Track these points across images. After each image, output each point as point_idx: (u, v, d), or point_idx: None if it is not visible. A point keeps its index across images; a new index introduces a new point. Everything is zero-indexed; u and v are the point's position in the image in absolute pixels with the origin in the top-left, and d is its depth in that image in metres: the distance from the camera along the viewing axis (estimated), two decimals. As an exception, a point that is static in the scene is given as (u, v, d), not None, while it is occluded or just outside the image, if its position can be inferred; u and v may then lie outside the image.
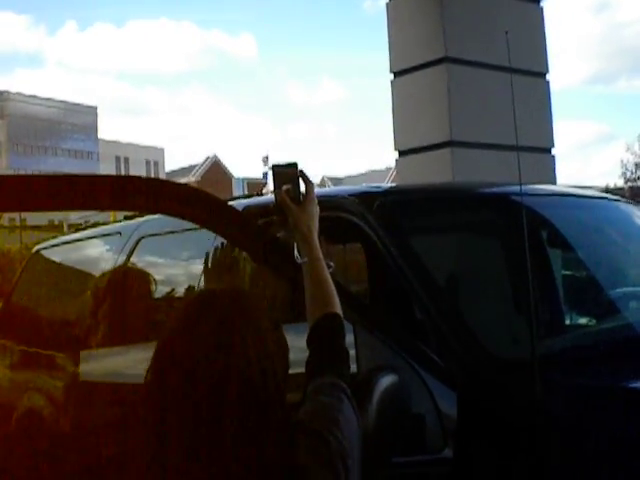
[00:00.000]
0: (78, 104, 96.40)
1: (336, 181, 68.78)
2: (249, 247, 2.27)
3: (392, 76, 7.09)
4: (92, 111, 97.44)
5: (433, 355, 2.27)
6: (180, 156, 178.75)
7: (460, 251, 2.99)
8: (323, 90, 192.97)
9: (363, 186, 3.26)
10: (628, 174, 39.90)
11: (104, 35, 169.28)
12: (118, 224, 4.75)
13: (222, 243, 3.08)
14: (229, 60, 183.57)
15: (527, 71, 6.99)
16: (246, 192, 30.15)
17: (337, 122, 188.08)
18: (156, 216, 3.91)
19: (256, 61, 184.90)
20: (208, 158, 74.87)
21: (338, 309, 1.87)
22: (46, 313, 4.62)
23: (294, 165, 2.12)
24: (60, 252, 5.21)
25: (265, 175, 55.71)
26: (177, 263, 3.91)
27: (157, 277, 3.83)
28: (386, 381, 1.96)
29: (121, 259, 3.88)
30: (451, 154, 6.53)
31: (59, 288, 4.74)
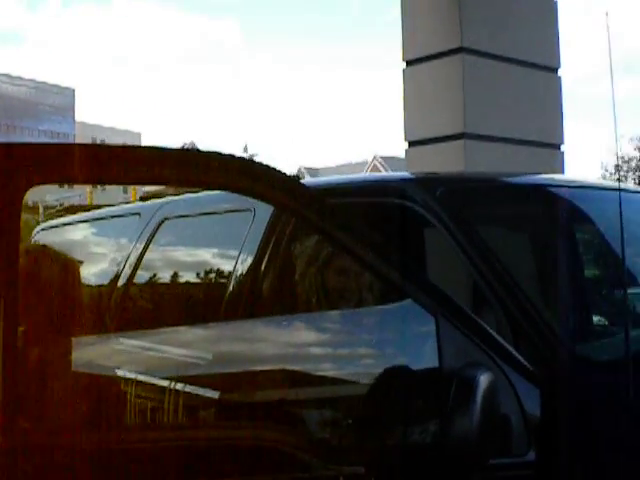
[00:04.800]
0: (56, 85, 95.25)
1: (313, 172, 68.37)
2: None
3: (404, 64, 6.95)
4: (69, 92, 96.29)
5: (515, 352, 2.14)
6: (157, 142, 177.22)
7: (526, 243, 2.86)
8: (305, 79, 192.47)
9: (412, 172, 3.12)
10: (607, 175, 40.06)
11: (86, 14, 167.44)
12: (134, 204, 4.52)
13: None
14: (212, 44, 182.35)
15: (540, 65, 6.91)
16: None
17: (317, 113, 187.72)
18: (180, 196, 3.74)
19: (240, 47, 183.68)
20: (185, 145, 74.20)
21: None
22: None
23: None
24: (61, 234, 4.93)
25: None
26: (203, 249, 3.72)
27: (180, 263, 3.66)
28: (485, 379, 1.83)
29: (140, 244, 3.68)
30: (464, 146, 6.41)
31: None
